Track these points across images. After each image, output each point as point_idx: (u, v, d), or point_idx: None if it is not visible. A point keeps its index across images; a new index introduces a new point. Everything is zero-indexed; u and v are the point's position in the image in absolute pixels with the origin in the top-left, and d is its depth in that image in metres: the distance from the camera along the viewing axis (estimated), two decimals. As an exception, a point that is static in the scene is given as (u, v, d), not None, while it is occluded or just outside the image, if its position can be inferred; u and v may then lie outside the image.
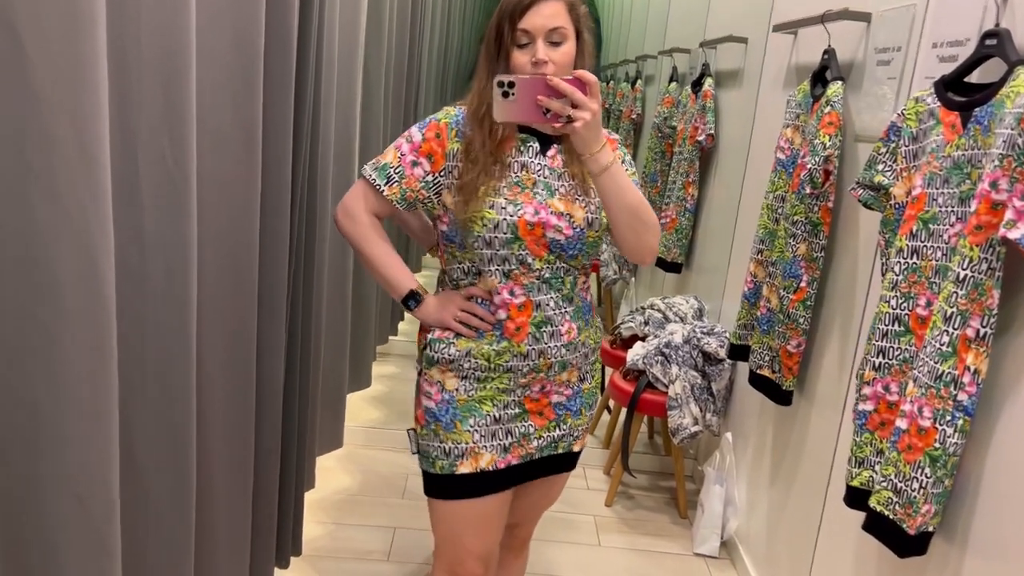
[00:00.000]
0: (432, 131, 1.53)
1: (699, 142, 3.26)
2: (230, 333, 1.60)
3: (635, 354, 2.94)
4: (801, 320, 2.12)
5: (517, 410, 1.59)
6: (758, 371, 2.30)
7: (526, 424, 1.59)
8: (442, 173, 1.52)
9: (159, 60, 1.23)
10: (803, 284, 2.11)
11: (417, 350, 1.65)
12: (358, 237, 1.58)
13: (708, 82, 3.26)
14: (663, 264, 3.58)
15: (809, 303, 2.11)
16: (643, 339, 3.10)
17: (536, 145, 1.53)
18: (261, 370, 1.75)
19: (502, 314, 1.53)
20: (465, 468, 1.57)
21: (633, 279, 4.75)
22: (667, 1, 4.63)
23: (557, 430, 1.63)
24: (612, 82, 6.28)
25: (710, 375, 2.82)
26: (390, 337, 3.99)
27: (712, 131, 3.21)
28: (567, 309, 1.55)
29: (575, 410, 1.64)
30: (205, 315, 1.50)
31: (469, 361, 1.55)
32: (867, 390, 1.60)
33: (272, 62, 1.62)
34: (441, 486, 1.60)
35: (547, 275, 1.52)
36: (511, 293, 1.52)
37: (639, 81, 5.02)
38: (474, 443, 1.56)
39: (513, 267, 1.50)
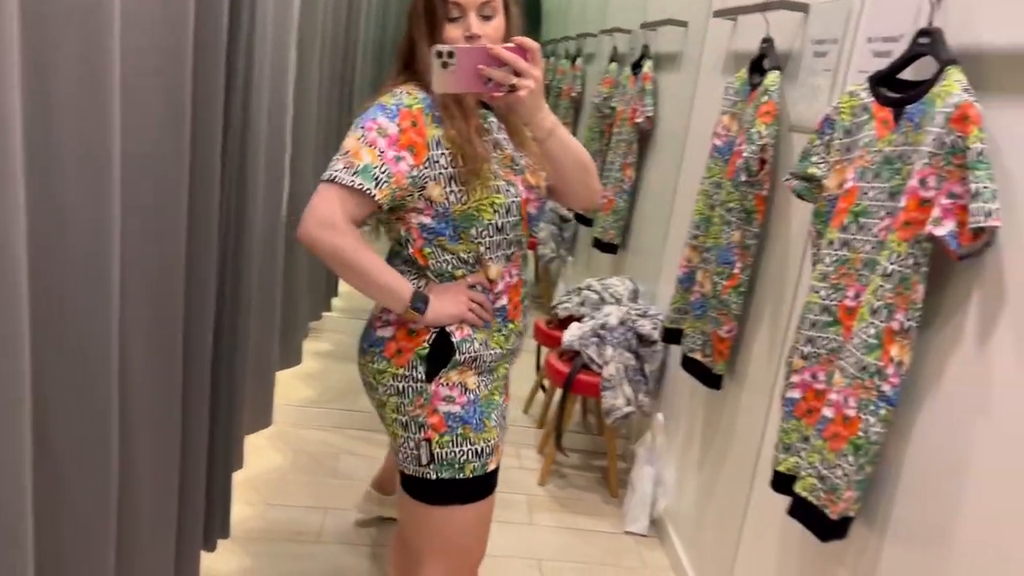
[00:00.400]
0: (406, 120, 1.39)
1: (638, 124, 3.27)
2: (155, 311, 1.54)
3: (571, 335, 2.95)
4: (733, 306, 2.16)
5: (505, 392, 1.60)
6: (690, 355, 2.33)
7: (504, 406, 1.60)
8: (426, 165, 1.39)
9: (78, 18, 1.16)
10: (736, 271, 2.14)
11: (415, 355, 1.48)
12: (347, 249, 1.38)
13: (648, 64, 3.26)
14: (600, 245, 3.60)
15: (742, 289, 2.15)
16: (579, 320, 3.12)
17: (494, 120, 1.51)
18: (188, 349, 1.69)
19: (504, 300, 1.52)
20: (492, 465, 1.53)
21: (570, 258, 4.77)
22: (609, -20, 4.62)
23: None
24: (552, 58, 6.25)
25: (644, 357, 2.85)
26: (323, 313, 3.93)
27: (651, 113, 3.22)
28: (525, 281, 1.59)
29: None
30: (129, 293, 1.44)
31: (489, 352, 1.51)
32: (795, 378, 1.63)
33: (202, 26, 1.54)
34: (469, 489, 1.51)
35: (524, 250, 1.57)
36: (510, 276, 1.53)
37: (579, 59, 5.01)
38: (496, 439, 1.53)
39: (514, 249, 1.51)
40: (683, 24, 3.02)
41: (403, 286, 1.45)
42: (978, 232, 1.27)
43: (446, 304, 1.46)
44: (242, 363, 2.27)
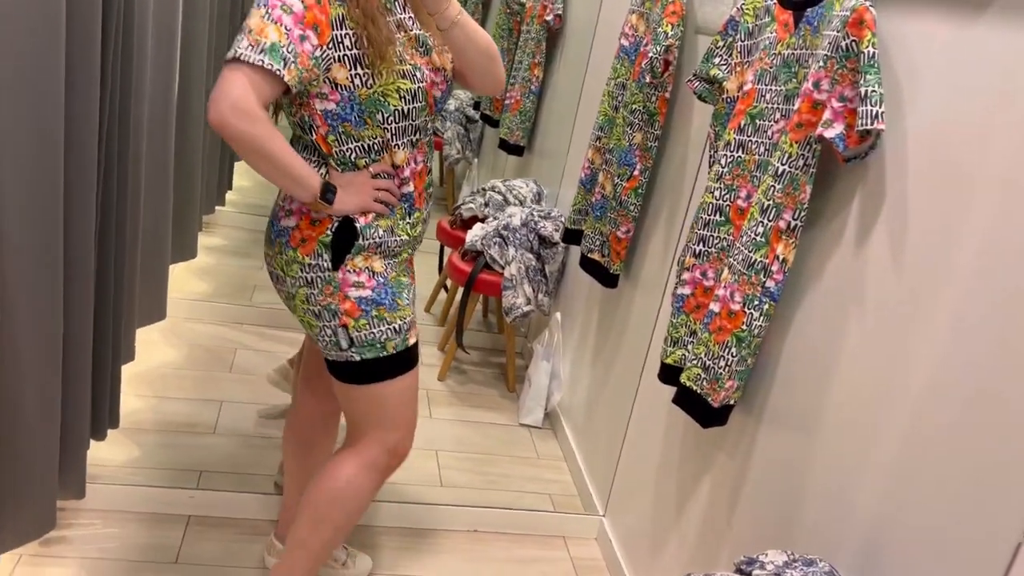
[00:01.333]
0: None
1: (547, 22, 3.22)
2: (31, 194, 1.45)
3: (474, 235, 2.96)
4: (632, 207, 2.20)
5: (411, 273, 1.62)
6: (589, 255, 2.38)
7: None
8: (330, 45, 1.34)
9: None
10: (636, 172, 2.17)
11: (319, 244, 1.47)
12: (261, 137, 1.30)
13: (559, -40, 3.18)
14: (505, 146, 3.58)
15: (641, 191, 2.19)
16: (483, 221, 3.12)
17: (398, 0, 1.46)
18: (70, 234, 1.62)
19: (410, 186, 1.52)
20: (412, 339, 1.59)
21: (476, 159, 4.73)
22: None
23: None
24: (463, -49, 6.03)
25: (544, 257, 2.89)
26: (217, 207, 3.79)
27: (560, 11, 3.17)
28: (430, 167, 1.59)
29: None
30: (2, 175, 1.36)
31: (395, 239, 1.53)
32: (686, 275, 1.69)
33: None
34: (396, 364, 1.56)
35: (428, 137, 1.54)
36: (415, 162, 1.52)
37: (490, -47, 4.85)
38: (411, 314, 1.58)
39: (420, 136, 1.50)
40: (596, -82, 2.95)
41: (313, 176, 1.42)
42: (864, 135, 1.32)
43: (352, 193, 1.46)
44: (132, 253, 2.19)
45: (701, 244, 1.66)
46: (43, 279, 1.53)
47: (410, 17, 1.48)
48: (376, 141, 1.45)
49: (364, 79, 1.38)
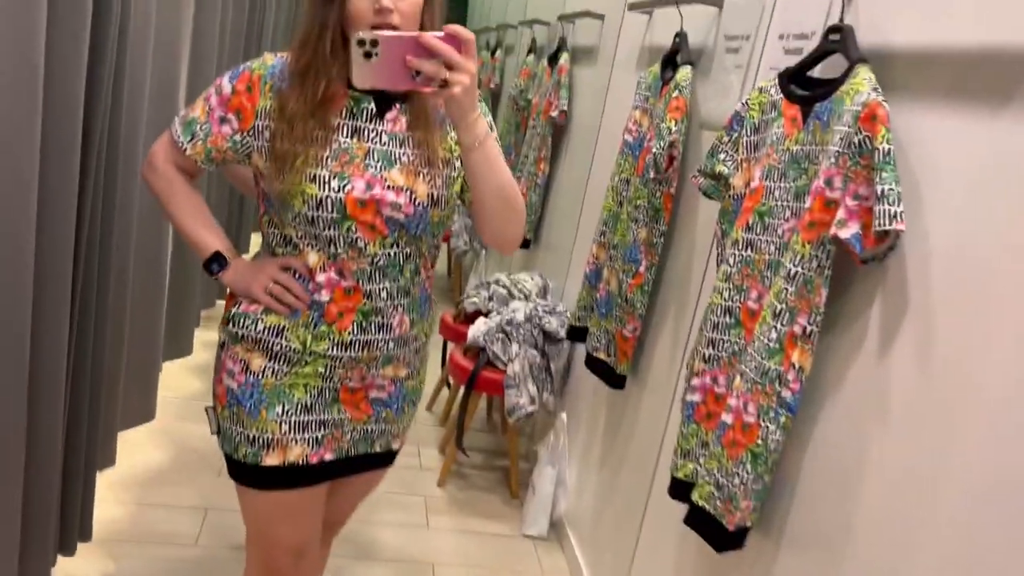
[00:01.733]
0: (243, 83, 1.33)
1: (552, 118, 3.21)
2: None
3: (476, 331, 2.86)
4: (638, 305, 2.10)
5: (330, 397, 1.42)
6: (594, 353, 2.27)
7: (341, 415, 1.44)
8: (251, 133, 1.34)
9: None
10: (642, 269, 2.08)
11: (222, 319, 1.45)
12: (159, 191, 1.42)
13: (564, 57, 3.19)
14: (510, 239, 3.52)
15: (646, 288, 2.09)
16: (486, 315, 3.03)
17: (371, 106, 1.34)
18: (37, 341, 1.53)
19: (325, 295, 1.35)
20: (271, 460, 1.40)
21: (484, 252, 4.68)
22: (530, -30, 4.54)
23: (373, 424, 1.49)
24: (473, 49, 6.15)
25: (549, 354, 2.78)
26: (217, 300, 3.73)
27: (565, 107, 3.16)
28: (401, 301, 1.40)
29: (396, 407, 1.51)
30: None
31: (280, 343, 1.37)
32: (696, 381, 1.58)
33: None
34: (246, 475, 1.43)
35: (382, 262, 1.35)
36: (339, 274, 1.35)
37: (499, 50, 4.93)
38: (282, 434, 1.39)
39: (340, 250, 1.33)
40: (600, 17, 2.97)
41: (206, 241, 1.41)
42: (882, 236, 1.23)
43: (246, 276, 1.39)
44: (115, 355, 2.11)
45: (711, 348, 1.55)
46: (6, 379, 1.43)
47: (384, 130, 1.34)
48: (289, 235, 1.36)
49: (274, 173, 1.31)
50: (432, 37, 1.17)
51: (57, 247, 1.52)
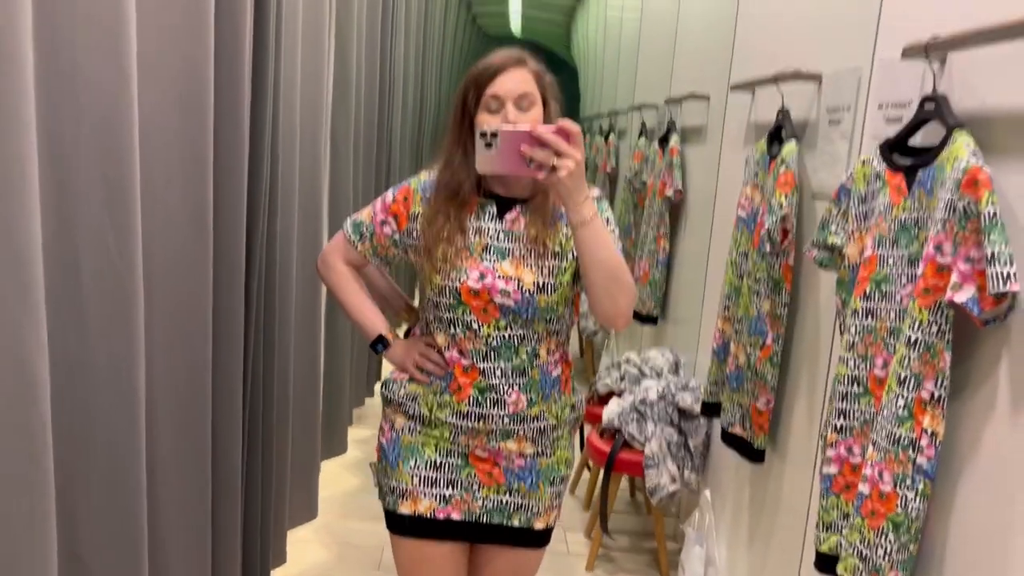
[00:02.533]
0: (402, 194, 1.62)
1: (668, 197, 3.29)
2: (182, 416, 1.57)
3: (611, 412, 2.91)
4: (769, 377, 2.12)
5: (460, 461, 1.61)
6: (730, 429, 2.28)
7: (471, 479, 1.61)
8: (405, 233, 1.61)
9: (99, 139, 1.22)
10: (768, 341, 2.10)
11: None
12: (332, 284, 1.69)
13: (674, 138, 3.29)
14: (639, 317, 3.58)
15: (775, 360, 2.11)
16: (619, 395, 3.08)
17: (493, 209, 1.56)
18: (217, 451, 1.72)
19: (451, 371, 1.57)
20: (405, 509, 1.62)
21: (613, 331, 4.75)
22: (636, 57, 4.72)
23: (508, 496, 1.61)
24: (588, 135, 6.37)
25: (686, 431, 2.80)
26: (366, 399, 3.96)
27: (680, 186, 3.24)
28: (516, 381, 1.56)
29: (530, 482, 1.62)
30: (155, 398, 1.48)
31: (414, 407, 1.61)
32: (831, 452, 1.58)
33: (223, 128, 1.62)
34: (390, 521, 1.66)
35: (496, 343, 1.54)
36: (460, 353, 1.56)
37: (612, 135, 5.09)
38: (412, 486, 1.61)
39: (458, 331, 1.55)
40: (705, 98, 3.06)
41: (372, 326, 1.67)
42: (1000, 297, 1.23)
43: (401, 352, 1.65)
44: (281, 458, 2.30)
45: (842, 418, 1.56)
46: (190, 499, 1.62)
47: (504, 230, 1.55)
48: (428, 319, 1.61)
49: (419, 265, 1.58)
50: (543, 129, 1.36)
51: (231, 347, 1.72)
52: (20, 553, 1.06)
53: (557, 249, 1.54)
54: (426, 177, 1.62)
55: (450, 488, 1.61)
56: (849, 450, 1.55)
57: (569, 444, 1.68)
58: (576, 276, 1.55)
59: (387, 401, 1.67)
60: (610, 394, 3.19)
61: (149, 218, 1.39)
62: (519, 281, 1.52)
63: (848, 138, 1.87)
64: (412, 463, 1.61)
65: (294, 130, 2.23)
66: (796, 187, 2.00)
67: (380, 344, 1.67)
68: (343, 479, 3.36)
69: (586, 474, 3.38)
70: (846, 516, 1.55)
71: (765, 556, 2.26)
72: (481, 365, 1.55)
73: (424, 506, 1.61)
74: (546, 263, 1.53)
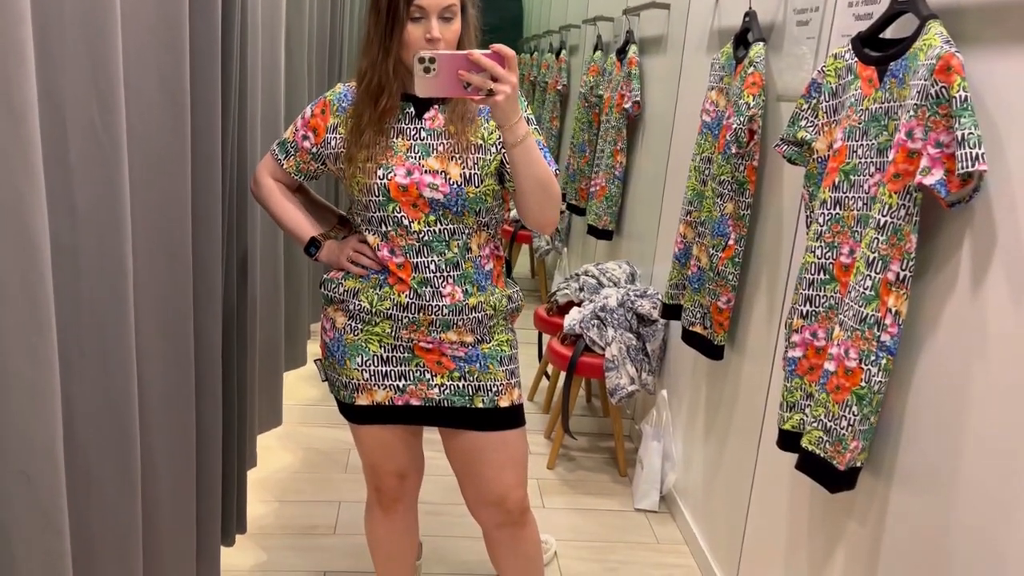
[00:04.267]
0: (319, 107, 1.69)
1: (626, 110, 3.31)
2: (167, 310, 1.56)
3: (571, 319, 2.98)
4: (730, 276, 2.20)
5: (406, 354, 1.68)
6: (690, 328, 2.37)
7: (421, 368, 1.68)
8: (322, 145, 1.68)
9: (81, 17, 1.19)
10: (731, 242, 2.18)
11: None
12: (262, 199, 1.78)
13: (632, 49, 3.30)
14: (595, 231, 3.64)
15: (737, 260, 2.18)
16: (579, 305, 3.15)
17: (411, 110, 1.62)
18: (199, 348, 1.72)
19: (387, 265, 1.64)
20: (362, 400, 1.71)
21: (565, 249, 4.81)
22: (588, -29, 4.65)
23: (463, 381, 1.69)
24: (536, 53, 6.30)
25: (644, 336, 2.89)
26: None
27: (638, 98, 3.26)
28: (450, 273, 1.63)
29: (480, 364, 1.69)
30: (141, 291, 1.47)
31: (354, 303, 1.66)
32: (796, 337, 1.67)
33: (197, 25, 1.57)
34: (347, 413, 1.76)
35: (428, 238, 1.61)
36: (391, 252, 1.63)
37: (563, 52, 5.05)
38: (364, 380, 1.69)
39: (389, 228, 1.61)
40: (666, 7, 3.06)
41: (303, 231, 1.75)
42: (966, 179, 1.31)
43: (335, 251, 1.71)
44: (251, 364, 2.31)
45: (808, 304, 1.64)
46: (177, 390, 1.62)
47: (424, 128, 1.61)
48: (357, 221, 1.69)
49: (342, 172, 1.66)
50: (480, 54, 1.41)
51: (208, 267, 1.71)
52: (32, 433, 1.07)
53: (479, 143, 1.61)
54: (341, 89, 1.68)
55: (402, 380, 1.68)
56: (814, 334, 1.64)
57: (508, 329, 1.75)
58: (499, 170, 1.62)
59: (328, 300, 1.73)
60: (569, 304, 3.26)
61: (130, 100, 1.35)
62: (446, 174, 1.58)
63: (815, 38, 1.91)
64: (359, 360, 1.68)
65: (256, 29, 2.18)
66: (763, 88, 2.05)
67: (313, 247, 1.74)
68: (303, 390, 3.39)
69: (544, 382, 3.47)
70: (809, 395, 1.65)
71: (722, 447, 2.38)
72: (415, 260, 1.62)
73: (381, 396, 1.70)
74: (470, 156, 1.60)
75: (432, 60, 1.42)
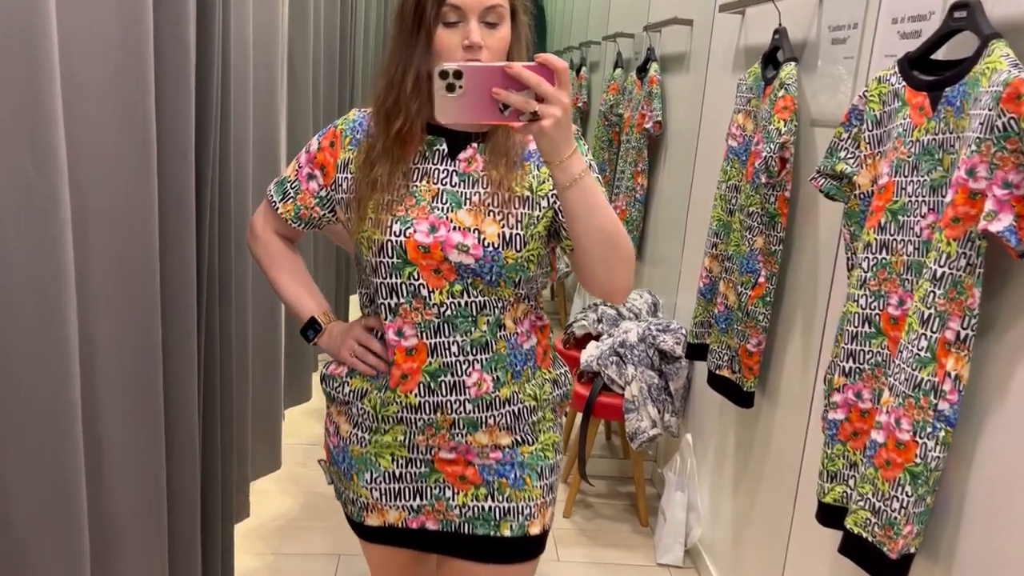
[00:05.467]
0: (328, 139, 1.33)
1: (646, 130, 3.13)
2: (130, 369, 1.41)
3: (589, 355, 2.80)
4: (760, 317, 2.00)
5: (424, 468, 1.32)
6: (717, 371, 2.17)
7: (440, 486, 1.32)
8: (333, 187, 1.32)
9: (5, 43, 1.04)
10: (761, 279, 1.98)
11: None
12: (259, 258, 1.42)
13: (653, 67, 3.12)
14: (614, 258, 3.45)
15: (768, 299, 1.99)
16: (596, 338, 2.96)
17: (443, 147, 1.26)
18: (171, 403, 1.56)
19: (392, 357, 1.28)
20: (372, 521, 1.37)
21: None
22: (609, -16, 4.49)
23: (491, 500, 1.31)
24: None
25: (667, 374, 2.69)
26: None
27: (659, 118, 3.08)
28: (477, 357, 1.26)
29: (513, 478, 1.31)
30: (96, 346, 1.32)
31: (359, 406, 1.33)
32: (837, 397, 1.47)
33: (165, 48, 1.42)
34: (355, 528, 1.43)
35: (450, 312, 1.24)
36: (398, 333, 1.26)
37: (583, 68, 4.88)
38: (374, 500, 1.35)
39: (403, 300, 1.24)
40: (688, 23, 2.88)
41: (302, 308, 1.40)
42: (1041, 225, 1.11)
43: (336, 339, 1.37)
44: (241, 408, 2.15)
45: (851, 360, 1.45)
46: (142, 454, 1.47)
47: (455, 171, 1.25)
48: (368, 292, 1.32)
49: (352, 224, 1.29)
50: (521, 66, 1.06)
51: (181, 302, 1.55)
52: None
53: (526, 194, 1.24)
54: (356, 116, 1.33)
55: (418, 498, 1.33)
56: (858, 395, 1.44)
57: (556, 425, 1.37)
58: (551, 228, 1.26)
59: (330, 399, 1.40)
60: (587, 336, 3.07)
61: (78, 135, 1.20)
62: (480, 233, 1.21)
63: (854, 58, 1.72)
64: (368, 476, 1.34)
65: (247, 55, 2.03)
66: (796, 112, 1.86)
67: (312, 330, 1.39)
68: (306, 427, 3.23)
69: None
70: (853, 465, 1.45)
71: (753, 502, 2.18)
72: (431, 341, 1.25)
73: (394, 517, 1.36)
74: (513, 211, 1.22)
75: (458, 74, 1.06)
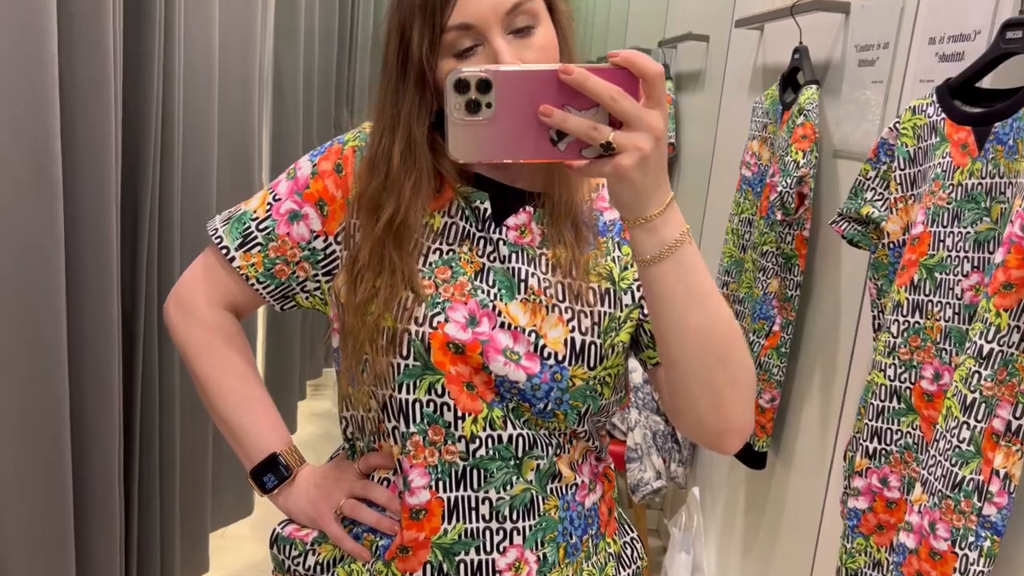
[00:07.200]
0: (330, 160, 0.88)
1: (659, 152, 2.92)
2: (31, 445, 1.23)
3: (590, 396, 2.59)
4: (775, 370, 1.78)
5: None
6: (726, 426, 1.95)
7: None
8: (339, 238, 0.87)
9: None
10: (776, 328, 1.76)
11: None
12: (192, 349, 0.92)
13: (668, 85, 2.92)
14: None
15: (784, 351, 1.77)
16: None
17: (487, 205, 0.87)
18: (81, 483, 1.38)
19: (396, 507, 0.88)
20: None
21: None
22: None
23: None
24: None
25: (674, 419, 2.48)
26: (324, 369, 3.61)
27: (672, 139, 2.87)
28: (517, 524, 0.85)
29: None
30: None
31: None
32: (859, 483, 1.25)
33: (76, 68, 1.24)
34: None
35: (483, 452, 0.83)
36: (405, 484, 0.85)
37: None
38: None
39: (414, 429, 0.83)
40: (704, 39, 2.68)
41: (261, 438, 0.91)
42: (1118, 299, 0.89)
43: (311, 490, 0.90)
44: (201, 456, 1.97)
45: (875, 440, 1.23)
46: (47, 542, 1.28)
47: (502, 240, 0.86)
48: (369, 414, 0.87)
49: (350, 300, 0.85)
50: (585, 70, 0.67)
51: (103, 371, 1.37)
52: None
53: (606, 285, 0.86)
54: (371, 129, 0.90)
55: None
56: (883, 481, 1.23)
57: None
58: (644, 339, 0.88)
59: (283, 568, 0.93)
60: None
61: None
62: (538, 337, 0.82)
63: (884, 82, 1.50)
64: None
65: (210, 63, 1.85)
66: (816, 142, 1.64)
67: (271, 474, 0.90)
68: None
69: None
70: (877, 565, 1.23)
71: (765, 568, 1.96)
72: (450, 495, 0.84)
73: None
74: (587, 308, 0.84)
75: (484, 84, 0.69)
